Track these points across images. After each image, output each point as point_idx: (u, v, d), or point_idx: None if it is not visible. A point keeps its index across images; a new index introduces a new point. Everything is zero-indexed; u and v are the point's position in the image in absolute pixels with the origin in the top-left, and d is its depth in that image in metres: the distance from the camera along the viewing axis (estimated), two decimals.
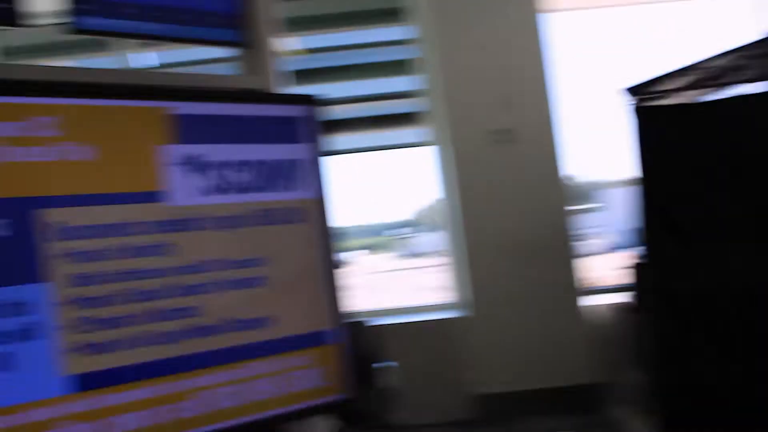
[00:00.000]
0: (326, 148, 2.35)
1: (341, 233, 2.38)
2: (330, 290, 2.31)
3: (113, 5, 2.05)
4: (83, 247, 1.86)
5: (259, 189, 2.19)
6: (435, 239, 4.52)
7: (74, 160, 1.87)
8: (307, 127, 2.31)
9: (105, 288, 1.88)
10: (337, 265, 2.33)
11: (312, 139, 2.32)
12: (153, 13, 2.12)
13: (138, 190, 1.97)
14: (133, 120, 1.99)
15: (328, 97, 2.38)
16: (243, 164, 2.16)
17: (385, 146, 5.10)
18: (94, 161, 1.90)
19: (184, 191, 2.04)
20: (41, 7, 1.96)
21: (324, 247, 2.31)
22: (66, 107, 1.88)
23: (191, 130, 2.08)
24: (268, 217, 2.20)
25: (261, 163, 2.20)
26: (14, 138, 1.79)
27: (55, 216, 1.83)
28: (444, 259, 4.20)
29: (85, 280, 1.85)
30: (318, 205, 2.31)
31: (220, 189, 2.11)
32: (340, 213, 2.36)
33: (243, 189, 2.15)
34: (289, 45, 5.00)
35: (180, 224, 2.03)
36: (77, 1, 1.98)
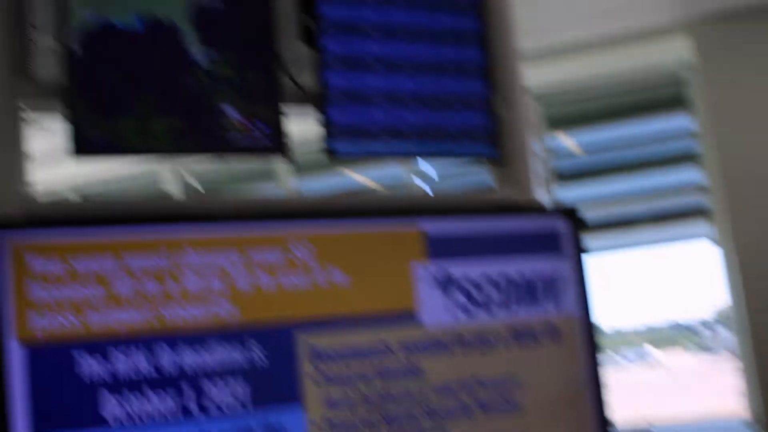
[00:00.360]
0: (590, 257, 2.24)
1: (617, 335, 2.24)
2: (596, 409, 2.16)
3: (367, 130, 2.10)
4: (336, 370, 1.88)
5: (515, 307, 2.11)
6: (724, 339, 4.21)
7: (328, 284, 1.92)
8: (568, 239, 2.22)
9: (357, 411, 1.88)
10: (604, 382, 2.18)
11: (574, 251, 2.22)
12: (405, 134, 2.15)
13: (390, 312, 1.97)
14: (386, 241, 2.01)
15: (599, 197, 2.28)
16: (498, 281, 2.11)
17: (666, 242, 4.87)
18: (346, 284, 1.94)
19: (437, 311, 2.02)
20: (298, 133, 2.05)
21: (588, 364, 2.17)
22: (320, 233, 1.94)
23: (444, 247, 2.06)
24: (523, 336, 2.11)
25: (517, 280, 2.13)
26: (274, 265, 1.87)
27: (311, 339, 1.87)
28: (733, 362, 3.87)
29: (337, 402, 1.86)
30: (581, 320, 2.19)
31: (474, 308, 2.06)
32: (616, 313, 2.23)
33: (498, 307, 2.09)
34: (559, 144, 4.95)
35: (431, 345, 1.99)
36: (331, 129, 2.06)
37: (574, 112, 4.89)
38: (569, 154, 4.81)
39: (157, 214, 1.86)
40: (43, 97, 1.85)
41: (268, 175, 5.13)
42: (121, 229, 1.75)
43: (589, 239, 2.24)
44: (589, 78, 4.70)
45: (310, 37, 2.13)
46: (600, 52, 4.37)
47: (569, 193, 4.69)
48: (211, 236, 1.83)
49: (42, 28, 1.88)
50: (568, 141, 4.86)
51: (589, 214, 2.31)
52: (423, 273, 2.03)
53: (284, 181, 5.21)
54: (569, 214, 2.25)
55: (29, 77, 1.85)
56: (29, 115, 1.86)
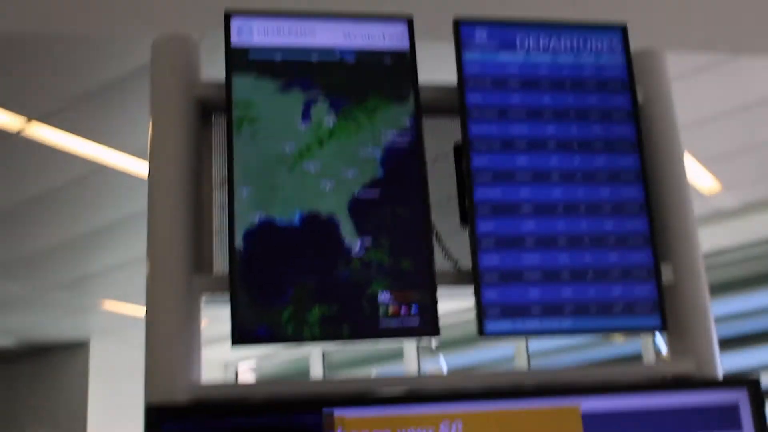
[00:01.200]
0: None
1: None
2: None
3: (521, 308, 2.12)
4: None
5: None
6: None
7: None
8: (748, 412, 2.08)
9: None
10: None
11: (755, 425, 2.08)
12: (562, 311, 2.14)
13: None
14: (541, 420, 1.99)
15: None
16: None
17: None
18: None
19: None
20: (445, 309, 2.10)
21: None
22: (469, 413, 1.96)
23: (605, 424, 2.01)
24: None
25: None
26: None
27: None
28: None
29: None
30: None
31: None
32: None
33: None
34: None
35: None
36: (485, 308, 2.10)
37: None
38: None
39: (309, 396, 1.98)
40: (217, 290, 2.06)
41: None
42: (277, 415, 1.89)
43: None
44: None
45: (467, 217, 2.21)
46: None
47: None
48: (363, 417, 1.92)
49: (218, 230, 2.12)
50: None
51: None
52: None
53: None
54: (750, 385, 2.11)
55: (206, 274, 2.08)
56: (205, 306, 2.09)
